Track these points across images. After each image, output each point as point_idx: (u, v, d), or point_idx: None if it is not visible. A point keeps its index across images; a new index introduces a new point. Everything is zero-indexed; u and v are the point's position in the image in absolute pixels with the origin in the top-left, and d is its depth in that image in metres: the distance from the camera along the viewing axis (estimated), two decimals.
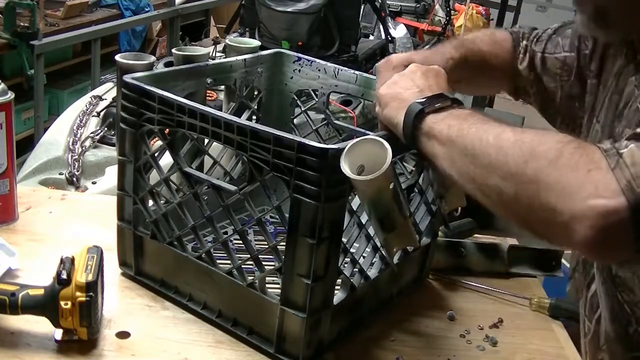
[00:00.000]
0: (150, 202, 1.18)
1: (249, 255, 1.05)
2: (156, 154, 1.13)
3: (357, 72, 1.34)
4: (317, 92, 1.40)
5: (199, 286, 1.13)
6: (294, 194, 0.95)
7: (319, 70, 1.38)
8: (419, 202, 1.20)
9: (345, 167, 0.91)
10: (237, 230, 1.05)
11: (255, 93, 1.42)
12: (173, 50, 1.36)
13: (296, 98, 1.43)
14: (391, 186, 0.93)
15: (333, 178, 0.93)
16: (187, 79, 1.24)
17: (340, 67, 1.37)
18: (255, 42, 1.46)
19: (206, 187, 1.16)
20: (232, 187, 1.05)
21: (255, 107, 1.41)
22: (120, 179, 1.17)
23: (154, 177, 1.14)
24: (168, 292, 1.17)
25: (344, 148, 0.92)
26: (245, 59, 1.36)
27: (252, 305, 1.06)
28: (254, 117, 1.42)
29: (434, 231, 1.27)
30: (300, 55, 1.42)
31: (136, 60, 1.30)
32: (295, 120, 1.48)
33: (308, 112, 1.43)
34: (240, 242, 1.08)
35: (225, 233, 1.20)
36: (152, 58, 1.33)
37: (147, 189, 1.14)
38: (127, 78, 1.11)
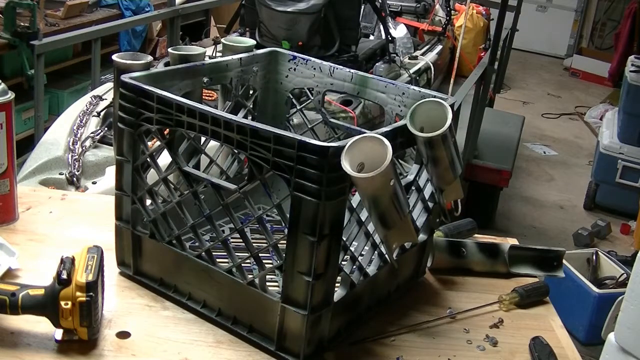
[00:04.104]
0: (149, 202, 1.18)
1: (248, 254, 1.06)
2: (154, 154, 1.13)
3: (352, 71, 1.35)
4: (312, 91, 1.40)
5: (198, 285, 1.13)
6: (295, 192, 0.95)
7: (315, 68, 1.38)
8: (416, 199, 1.20)
9: (346, 165, 0.91)
10: (238, 228, 1.05)
11: (251, 92, 1.42)
12: (169, 50, 1.36)
13: (291, 97, 1.43)
14: (391, 183, 0.94)
15: (333, 176, 0.93)
16: (184, 78, 1.24)
17: (336, 65, 1.37)
18: (251, 41, 1.46)
19: (204, 186, 1.16)
20: (232, 186, 1.05)
21: (251, 105, 1.41)
22: (118, 179, 1.18)
23: (151, 176, 1.14)
24: (167, 291, 1.17)
25: (344, 146, 0.92)
26: (241, 58, 1.36)
27: (253, 304, 1.07)
28: (250, 116, 1.42)
29: (430, 228, 1.28)
30: (295, 54, 1.42)
31: (133, 59, 1.30)
32: (294, 120, 1.48)
33: (305, 112, 1.43)
34: (239, 240, 1.08)
35: (223, 232, 1.20)
36: (149, 58, 1.33)
37: (146, 188, 1.14)
38: (125, 78, 1.11)
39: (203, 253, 1.10)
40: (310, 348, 1.04)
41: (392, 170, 0.94)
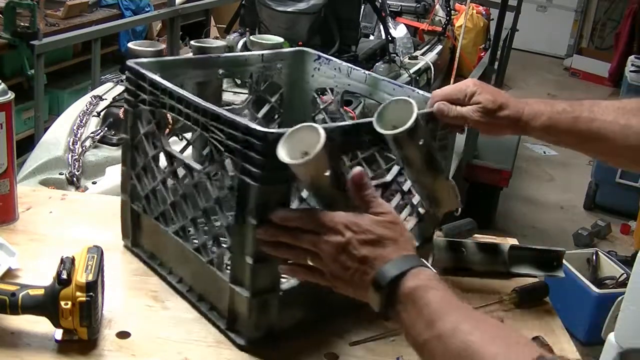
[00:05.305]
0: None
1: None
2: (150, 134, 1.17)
3: (366, 72, 1.34)
4: (333, 91, 1.40)
5: (175, 261, 1.18)
6: (241, 175, 0.98)
7: (335, 69, 1.39)
8: (398, 202, 1.18)
9: (282, 151, 0.91)
10: (202, 208, 1.08)
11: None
12: (192, 42, 1.44)
13: (316, 96, 1.43)
14: (327, 173, 0.93)
15: (275, 162, 0.93)
16: (196, 68, 1.28)
17: (353, 66, 1.36)
18: (278, 39, 1.48)
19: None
20: (199, 167, 1.08)
21: (278, 102, 1.43)
22: (123, 156, 1.24)
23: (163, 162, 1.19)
24: (154, 264, 1.22)
25: (284, 133, 0.94)
26: (262, 54, 1.38)
27: (212, 282, 1.09)
28: (276, 113, 1.44)
29: (424, 236, 1.22)
30: (320, 53, 1.42)
31: (149, 48, 1.34)
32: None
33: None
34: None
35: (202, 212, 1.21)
36: (162, 46, 1.37)
37: (140, 166, 1.20)
38: (130, 62, 1.17)
39: (179, 230, 1.14)
40: (259, 333, 1.06)
41: (326, 159, 0.92)
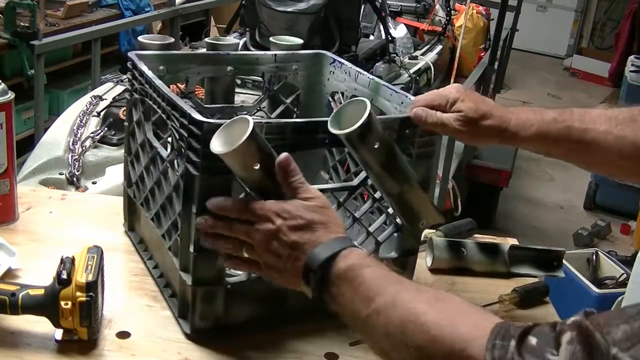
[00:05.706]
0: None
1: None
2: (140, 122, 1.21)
3: (370, 77, 1.31)
4: (343, 96, 1.39)
5: (153, 246, 1.23)
6: (186, 163, 1.00)
7: (346, 73, 1.38)
8: (369, 208, 1.17)
9: (216, 141, 0.92)
10: (166, 195, 1.11)
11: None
12: (206, 40, 1.47)
13: (331, 100, 1.42)
14: (257, 166, 0.92)
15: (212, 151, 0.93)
16: (203, 64, 1.31)
17: (360, 70, 1.34)
18: (297, 40, 1.48)
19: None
20: (165, 154, 1.11)
21: (294, 104, 1.43)
22: (124, 143, 1.29)
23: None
24: (140, 248, 1.26)
25: (222, 124, 0.94)
26: (275, 54, 1.40)
27: (172, 269, 1.12)
28: (294, 115, 1.44)
29: (403, 248, 1.19)
30: (335, 57, 1.42)
31: (158, 41, 1.36)
32: None
33: None
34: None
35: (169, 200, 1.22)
36: (170, 39, 1.37)
37: (133, 152, 1.24)
38: (132, 54, 1.21)
39: (153, 216, 1.18)
40: (205, 323, 1.07)
41: (254, 153, 0.91)
